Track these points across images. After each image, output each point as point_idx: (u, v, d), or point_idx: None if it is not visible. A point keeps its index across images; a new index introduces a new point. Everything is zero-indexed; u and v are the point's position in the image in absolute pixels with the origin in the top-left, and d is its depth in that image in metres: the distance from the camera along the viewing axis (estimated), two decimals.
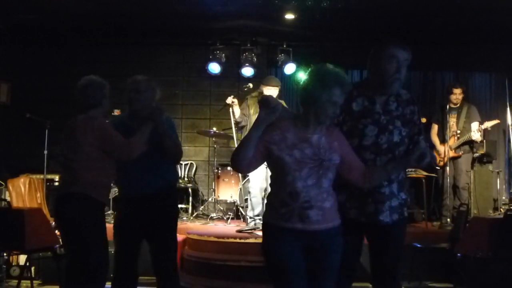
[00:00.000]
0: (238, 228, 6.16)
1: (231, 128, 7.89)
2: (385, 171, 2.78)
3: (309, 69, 2.80)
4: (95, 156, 3.54)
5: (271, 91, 6.22)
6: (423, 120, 7.00)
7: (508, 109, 7.55)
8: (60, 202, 3.61)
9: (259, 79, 6.73)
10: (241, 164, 2.66)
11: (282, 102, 6.43)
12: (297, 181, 2.60)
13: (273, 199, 2.72)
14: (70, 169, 3.58)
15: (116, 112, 7.58)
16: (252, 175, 6.16)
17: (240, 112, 6.18)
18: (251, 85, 6.21)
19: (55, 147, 3.57)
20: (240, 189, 7.12)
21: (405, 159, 2.80)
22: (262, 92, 6.26)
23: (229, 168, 7.68)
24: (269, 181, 6.12)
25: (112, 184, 6.40)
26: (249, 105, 6.25)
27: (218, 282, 5.14)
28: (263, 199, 6.31)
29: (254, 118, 6.12)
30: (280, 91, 6.40)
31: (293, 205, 2.60)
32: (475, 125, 6.88)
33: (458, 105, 7.05)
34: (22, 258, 5.81)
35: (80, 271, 3.53)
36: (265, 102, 2.64)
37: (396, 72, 2.85)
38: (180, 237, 5.80)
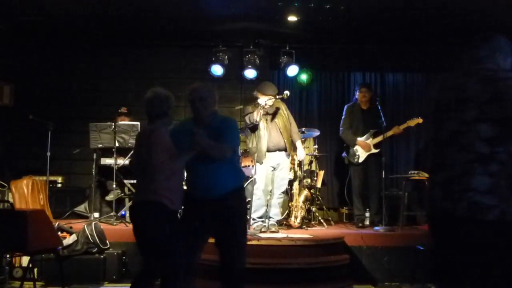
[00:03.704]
0: None
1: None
2: None
3: None
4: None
5: (268, 100, 6.09)
6: (419, 120, 7.05)
7: None
8: (133, 209, 3.91)
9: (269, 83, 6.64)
10: None
11: (283, 105, 6.44)
12: None
13: None
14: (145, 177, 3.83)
15: (123, 109, 7.59)
16: (258, 176, 6.14)
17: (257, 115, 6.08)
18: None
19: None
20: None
21: None
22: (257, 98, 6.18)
23: None
24: (274, 184, 6.18)
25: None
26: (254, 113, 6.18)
27: (220, 284, 5.12)
28: (268, 201, 6.31)
29: (260, 124, 6.08)
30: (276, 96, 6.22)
31: None
32: None
33: None
34: (25, 260, 5.82)
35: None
36: None
37: None
38: None
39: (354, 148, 7.05)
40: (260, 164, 6.08)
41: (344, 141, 7.26)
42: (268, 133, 6.13)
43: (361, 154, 7.01)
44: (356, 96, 7.24)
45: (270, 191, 6.33)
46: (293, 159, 6.83)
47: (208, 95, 3.88)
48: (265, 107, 6.12)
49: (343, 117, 7.26)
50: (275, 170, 6.22)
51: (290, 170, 6.99)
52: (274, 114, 6.25)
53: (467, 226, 2.53)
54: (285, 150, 6.21)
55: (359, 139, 7.02)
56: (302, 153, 6.53)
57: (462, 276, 2.60)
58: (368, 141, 7.00)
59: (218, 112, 4.00)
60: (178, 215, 3.96)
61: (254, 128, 6.08)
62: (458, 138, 2.63)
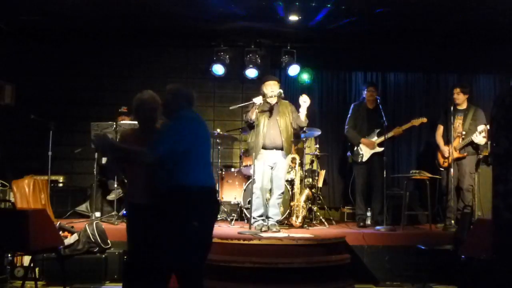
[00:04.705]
0: (241, 229, 6.16)
1: (236, 129, 7.90)
2: None
3: None
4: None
5: (274, 86, 6.19)
6: (424, 120, 7.03)
7: None
8: None
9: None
10: None
11: (290, 106, 6.43)
12: None
13: None
14: None
15: (123, 109, 7.61)
16: (257, 176, 6.14)
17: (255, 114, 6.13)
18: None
19: None
20: (244, 190, 7.12)
21: None
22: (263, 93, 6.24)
23: (233, 169, 7.67)
24: (273, 183, 6.19)
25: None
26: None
27: (222, 284, 5.13)
28: (267, 200, 6.31)
29: (261, 120, 6.11)
30: (279, 86, 6.33)
31: None
32: (481, 128, 6.76)
33: (465, 107, 7.01)
34: (26, 259, 5.83)
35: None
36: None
37: None
38: None
39: (358, 147, 7.05)
40: (255, 158, 6.09)
41: (348, 140, 7.26)
42: (267, 130, 6.13)
43: (365, 153, 7.01)
44: (364, 95, 7.23)
45: (270, 190, 6.33)
46: (293, 160, 6.81)
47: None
48: (269, 102, 6.20)
49: (349, 115, 7.26)
50: (273, 169, 6.22)
51: (292, 170, 6.99)
52: (271, 112, 6.22)
53: None
54: (282, 149, 6.19)
55: (363, 138, 7.03)
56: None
57: None
58: (373, 139, 7.00)
59: (170, 114, 4.03)
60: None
61: (251, 126, 6.16)
62: (511, 155, 2.75)
